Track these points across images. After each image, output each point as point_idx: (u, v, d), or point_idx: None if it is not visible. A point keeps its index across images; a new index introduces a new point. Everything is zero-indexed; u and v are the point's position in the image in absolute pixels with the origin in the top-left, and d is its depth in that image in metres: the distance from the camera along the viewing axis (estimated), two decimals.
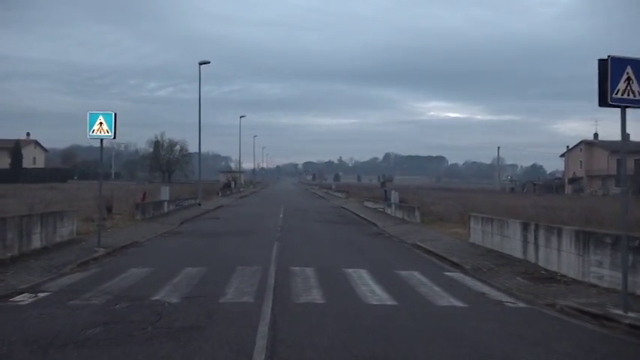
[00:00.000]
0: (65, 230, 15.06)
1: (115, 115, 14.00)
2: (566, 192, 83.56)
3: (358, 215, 30.14)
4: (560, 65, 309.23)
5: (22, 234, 12.35)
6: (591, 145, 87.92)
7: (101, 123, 13.89)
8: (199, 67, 35.18)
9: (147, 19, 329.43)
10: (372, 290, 9.53)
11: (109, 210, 22.46)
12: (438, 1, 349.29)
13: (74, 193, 40.17)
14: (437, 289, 9.90)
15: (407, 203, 29.33)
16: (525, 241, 12.84)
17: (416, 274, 11.52)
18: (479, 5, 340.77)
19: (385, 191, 32.69)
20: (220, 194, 53.81)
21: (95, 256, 12.83)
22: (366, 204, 38.80)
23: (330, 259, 13.35)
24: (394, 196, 28.38)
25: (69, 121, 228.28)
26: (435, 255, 14.56)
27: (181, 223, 22.95)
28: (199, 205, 34.77)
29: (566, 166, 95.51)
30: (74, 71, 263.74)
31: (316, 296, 8.89)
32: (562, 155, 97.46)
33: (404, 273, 11.52)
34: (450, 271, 12.09)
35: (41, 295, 8.74)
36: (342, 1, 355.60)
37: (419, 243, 16.82)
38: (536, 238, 12.27)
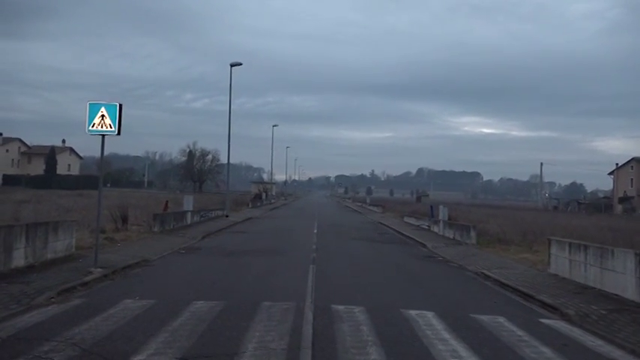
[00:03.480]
0: (60, 244, 12.57)
1: (121, 106, 11.49)
2: (614, 212, 78.37)
3: (401, 233, 27.01)
4: (602, 82, 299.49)
5: None
6: None
7: (103, 116, 11.41)
8: (230, 69, 32.94)
9: (185, 32, 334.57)
10: (454, 351, 6.55)
11: (125, 220, 20.06)
12: (477, 15, 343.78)
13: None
14: (545, 350, 6.84)
15: (456, 221, 26.09)
16: None
17: (502, 320, 8.47)
18: (518, 20, 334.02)
19: (431, 207, 29.50)
20: (250, 205, 51.44)
21: (86, 279, 10.21)
22: (407, 220, 35.62)
23: (381, 293, 10.41)
24: (443, 213, 25.20)
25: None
26: (513, 290, 11.44)
27: (203, 237, 20.34)
28: (226, 216, 32.29)
29: (615, 185, 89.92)
30: (114, 82, 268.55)
31: None
32: (610, 173, 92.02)
33: (486, 319, 8.48)
34: (546, 317, 8.98)
35: None
36: (379, 16, 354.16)
37: (485, 272, 13.70)
38: None
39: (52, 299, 8.60)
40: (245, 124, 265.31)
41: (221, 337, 6.69)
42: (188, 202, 25.83)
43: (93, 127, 11.41)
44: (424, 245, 20.95)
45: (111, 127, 11.42)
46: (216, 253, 15.94)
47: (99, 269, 11.18)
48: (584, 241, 13.76)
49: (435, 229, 26.46)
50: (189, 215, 25.26)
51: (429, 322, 8.01)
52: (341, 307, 8.69)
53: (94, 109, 11.41)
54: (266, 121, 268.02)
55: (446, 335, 7.30)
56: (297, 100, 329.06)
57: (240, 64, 33.06)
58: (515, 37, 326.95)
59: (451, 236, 23.23)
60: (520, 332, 7.74)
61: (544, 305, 9.87)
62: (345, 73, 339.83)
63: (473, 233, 20.89)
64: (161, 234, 19.77)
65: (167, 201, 26.59)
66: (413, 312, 8.67)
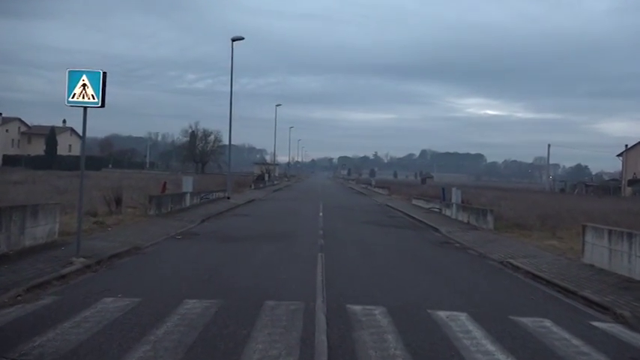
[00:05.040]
0: (41, 230, 11.28)
1: (105, 74, 10.08)
2: (622, 194, 76.95)
3: (411, 216, 25.68)
4: (609, 63, 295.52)
5: None
6: None
7: (85, 85, 10.01)
8: (232, 44, 31.34)
9: (187, 11, 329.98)
10: None
11: (118, 203, 18.77)
12: None
13: (97, 181, 37.05)
14: None
15: (469, 204, 24.75)
16: None
17: (548, 324, 7.16)
18: None
19: (443, 189, 28.09)
20: (253, 187, 50.20)
21: (64, 271, 8.92)
22: (415, 202, 34.28)
23: (401, 288, 9.10)
24: (456, 196, 23.83)
25: (109, 111, 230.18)
26: (548, 283, 10.13)
27: (202, 221, 19.05)
28: (228, 198, 31.00)
29: (624, 167, 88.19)
30: (116, 62, 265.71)
31: None
32: (619, 155, 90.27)
33: (529, 323, 7.16)
34: (598, 320, 7.65)
35: None
36: None
37: (512, 261, 12.39)
38: None
39: (19, 297, 7.31)
40: (247, 105, 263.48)
41: (215, 352, 5.40)
42: (187, 184, 24.51)
43: (73, 97, 10.02)
44: (437, 230, 19.64)
45: (93, 98, 10.02)
46: (214, 239, 14.65)
47: (81, 259, 9.89)
48: (616, 227, 12.47)
49: (447, 212, 25.12)
50: (188, 197, 23.96)
51: (464, 328, 6.71)
52: (358, 308, 7.38)
53: (74, 78, 10.00)
54: (268, 102, 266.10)
55: (489, 346, 5.99)
56: (300, 80, 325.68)
57: (242, 39, 31.46)
58: (522, 16, 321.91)
59: (465, 220, 21.90)
60: (575, 341, 6.43)
61: (590, 303, 8.56)
62: (349, 54, 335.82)
63: (490, 217, 19.54)
64: (157, 217, 18.48)
65: (165, 182, 25.27)
66: (442, 313, 7.36)
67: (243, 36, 31.79)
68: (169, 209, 20.59)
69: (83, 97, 10.00)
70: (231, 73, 32.11)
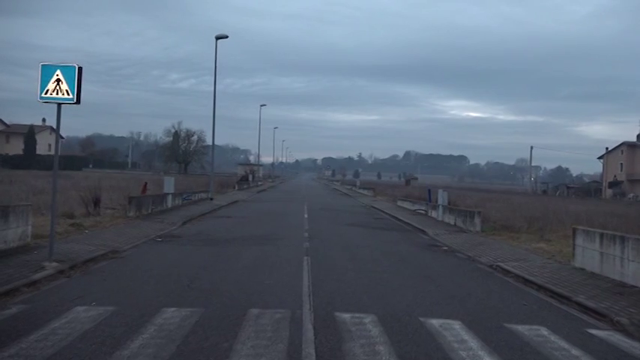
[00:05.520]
0: (12, 233, 10.70)
1: (80, 69, 9.59)
2: (603, 196, 77.94)
3: (397, 218, 25.40)
4: (590, 66, 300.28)
5: None
6: (633, 147, 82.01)
7: (59, 80, 9.49)
8: (216, 42, 30.79)
9: (171, 10, 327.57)
10: None
11: (96, 204, 18.16)
12: None
13: (77, 181, 36.13)
14: None
15: (456, 206, 24.55)
16: None
17: (545, 332, 6.87)
18: (508, 2, 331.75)
19: (429, 190, 27.84)
20: (237, 188, 49.62)
21: (35, 277, 8.40)
22: (401, 204, 34.06)
23: (391, 294, 8.73)
24: (442, 197, 23.59)
25: (91, 110, 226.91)
26: (540, 288, 9.86)
27: (184, 223, 18.52)
28: (211, 199, 30.45)
29: (604, 169, 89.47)
30: (99, 60, 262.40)
31: None
32: (600, 157, 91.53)
33: (524, 331, 6.85)
34: (594, 327, 7.37)
35: None
36: None
37: (501, 264, 12.13)
38: None
39: None
40: (232, 105, 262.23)
41: None
42: (169, 184, 23.92)
43: (46, 93, 9.50)
44: (424, 232, 19.37)
45: (68, 94, 9.52)
46: (197, 242, 14.17)
47: (54, 263, 9.38)
48: (603, 229, 12.30)
49: (433, 214, 24.90)
50: (169, 198, 23.38)
51: (459, 337, 6.37)
52: (347, 316, 7.01)
53: (47, 73, 9.50)
54: (253, 103, 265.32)
55: (487, 359, 5.66)
56: (285, 81, 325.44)
57: (227, 37, 30.91)
58: (506, 20, 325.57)
59: (452, 222, 21.68)
60: (575, 351, 6.13)
61: (585, 309, 8.29)
62: (334, 54, 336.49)
63: (477, 220, 19.32)
64: (137, 219, 17.91)
65: (146, 183, 24.64)
66: (435, 321, 7.02)
67: (227, 35, 31.24)
68: (150, 211, 20.02)
69: (57, 93, 9.50)
70: (215, 72, 31.61)
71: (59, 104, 9.66)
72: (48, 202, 17.50)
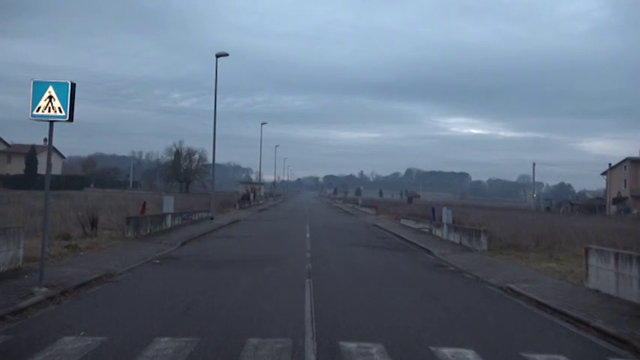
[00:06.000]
0: (2, 257, 10.29)
1: (73, 85, 9.27)
2: (607, 213, 77.28)
3: (401, 237, 24.91)
4: (589, 82, 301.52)
5: None
6: (637, 162, 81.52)
7: (51, 97, 9.17)
8: (216, 60, 30.65)
9: (172, 30, 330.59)
10: None
11: (94, 225, 17.75)
12: (466, 14, 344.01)
13: (76, 201, 35.76)
14: None
15: (461, 224, 24.08)
16: None
17: None
18: (507, 19, 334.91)
19: (433, 208, 27.42)
20: (238, 207, 49.16)
21: (22, 304, 7.96)
22: (404, 222, 33.56)
23: (399, 320, 8.25)
24: (447, 215, 23.14)
25: (93, 130, 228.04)
26: (554, 312, 9.37)
27: (183, 244, 18.07)
28: (211, 219, 30.00)
29: (608, 185, 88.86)
30: (100, 81, 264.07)
31: None
32: (603, 173, 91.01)
33: None
34: (615, 355, 6.90)
35: None
36: (368, 14, 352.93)
37: (512, 286, 11.64)
38: None
39: None
40: (233, 124, 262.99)
41: None
42: (168, 204, 23.51)
43: (38, 111, 9.17)
44: (429, 252, 18.88)
45: (61, 112, 9.18)
46: (195, 264, 13.72)
47: (44, 289, 8.94)
48: (613, 248, 11.85)
49: (438, 232, 24.42)
50: (169, 218, 22.96)
51: None
52: (353, 346, 6.54)
53: (39, 89, 9.18)
54: (254, 121, 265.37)
55: None
56: (286, 99, 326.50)
57: (227, 55, 30.76)
58: (504, 37, 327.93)
59: (457, 241, 21.20)
60: None
61: (605, 335, 7.80)
62: (334, 73, 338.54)
63: (484, 238, 18.85)
64: (135, 240, 17.48)
65: (144, 202, 24.25)
66: (447, 351, 6.55)
67: (228, 53, 31.13)
68: (148, 231, 19.60)
69: (49, 111, 9.16)
70: (215, 89, 31.42)
71: (51, 122, 9.32)
72: (40, 222, 17.19)
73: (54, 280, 9.68)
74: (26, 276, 10.07)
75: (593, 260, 11.47)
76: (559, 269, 14.12)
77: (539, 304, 10.03)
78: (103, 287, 10.14)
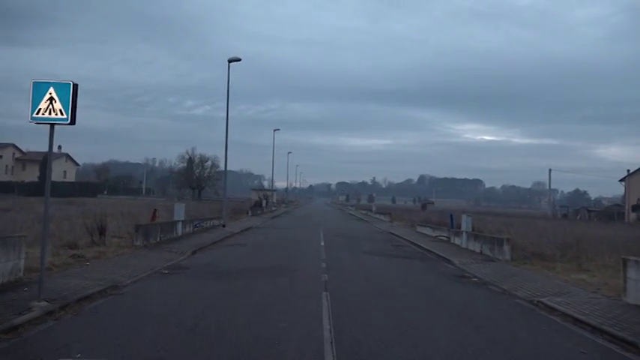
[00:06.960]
0: (1, 267, 9.73)
1: (76, 86, 8.70)
2: (626, 220, 75.44)
3: (418, 245, 24.09)
4: (604, 88, 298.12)
5: None
6: None
7: (52, 99, 8.61)
8: (228, 65, 30.17)
9: (186, 38, 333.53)
10: None
11: (102, 232, 17.20)
12: (478, 21, 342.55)
13: (88, 208, 35.44)
14: None
15: (481, 232, 23.22)
16: None
17: None
18: (520, 26, 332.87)
19: (451, 216, 26.56)
20: (250, 213, 48.62)
21: (17, 321, 7.35)
22: (420, 230, 32.72)
23: (427, 341, 7.49)
24: (466, 223, 22.30)
25: (107, 137, 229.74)
26: (595, 330, 8.56)
27: (193, 253, 17.46)
28: (223, 226, 29.42)
29: (626, 192, 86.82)
30: (116, 89, 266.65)
31: None
32: (622, 180, 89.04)
33: None
34: None
35: None
36: (381, 22, 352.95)
37: (544, 301, 10.81)
38: None
39: None
40: (246, 131, 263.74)
41: None
42: (179, 211, 22.97)
43: (38, 113, 8.62)
44: (449, 261, 18.07)
45: (62, 114, 8.62)
46: (205, 275, 13.07)
47: (43, 303, 8.34)
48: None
49: (457, 241, 23.57)
50: (179, 226, 22.40)
51: None
52: None
53: (40, 90, 8.62)
54: (267, 128, 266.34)
55: None
56: (299, 106, 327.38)
57: (239, 60, 30.30)
58: (517, 42, 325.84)
59: (477, 250, 20.35)
60: None
61: None
62: (347, 80, 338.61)
63: (506, 247, 18.00)
64: (144, 248, 16.91)
65: (155, 209, 23.73)
66: None
67: (240, 58, 30.66)
68: (158, 239, 19.04)
69: (50, 113, 8.60)
70: (228, 94, 30.95)
71: (52, 125, 8.76)
72: (53, 230, 16.69)
73: (54, 293, 9.10)
74: (26, 289, 9.50)
75: (632, 272, 10.61)
76: (590, 281, 13.26)
77: (576, 321, 9.21)
78: (106, 301, 9.52)
